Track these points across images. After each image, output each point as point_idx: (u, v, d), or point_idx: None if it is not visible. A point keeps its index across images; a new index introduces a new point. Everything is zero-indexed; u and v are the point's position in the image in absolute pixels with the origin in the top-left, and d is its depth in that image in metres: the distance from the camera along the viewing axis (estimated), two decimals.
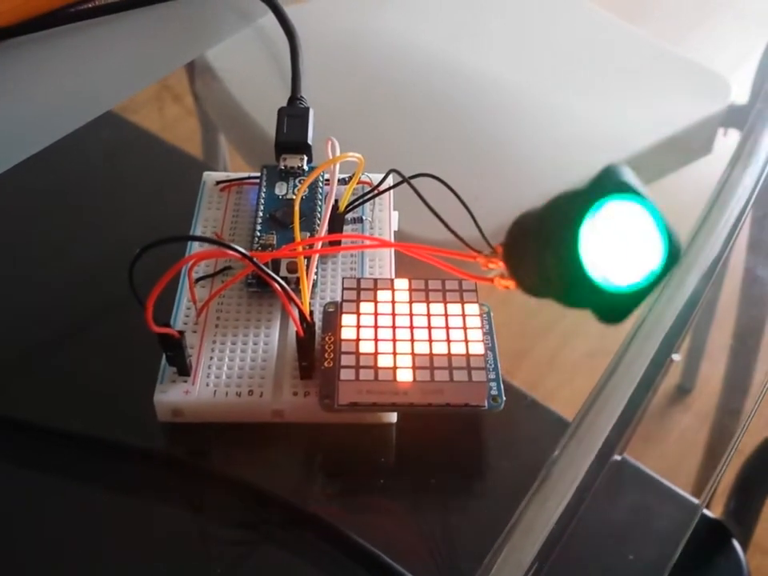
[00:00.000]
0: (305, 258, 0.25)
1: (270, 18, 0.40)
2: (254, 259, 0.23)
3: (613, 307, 0.15)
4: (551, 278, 0.16)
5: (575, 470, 0.27)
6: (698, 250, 0.36)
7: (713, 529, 0.50)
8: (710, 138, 0.49)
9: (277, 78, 0.39)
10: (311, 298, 0.27)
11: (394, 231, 0.30)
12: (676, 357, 0.29)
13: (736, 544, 0.50)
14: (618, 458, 0.28)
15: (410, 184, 0.25)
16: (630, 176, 0.15)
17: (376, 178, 0.29)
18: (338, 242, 0.28)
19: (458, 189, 0.26)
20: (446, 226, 0.23)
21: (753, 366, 0.55)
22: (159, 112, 0.44)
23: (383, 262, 0.29)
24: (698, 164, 0.49)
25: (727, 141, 0.48)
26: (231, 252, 0.23)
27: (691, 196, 0.43)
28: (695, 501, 0.27)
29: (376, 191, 0.28)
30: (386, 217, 0.30)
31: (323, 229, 0.26)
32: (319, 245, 0.26)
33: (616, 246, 0.16)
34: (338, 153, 0.27)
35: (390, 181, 0.28)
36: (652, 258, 0.16)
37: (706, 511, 0.50)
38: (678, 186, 0.52)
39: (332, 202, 0.27)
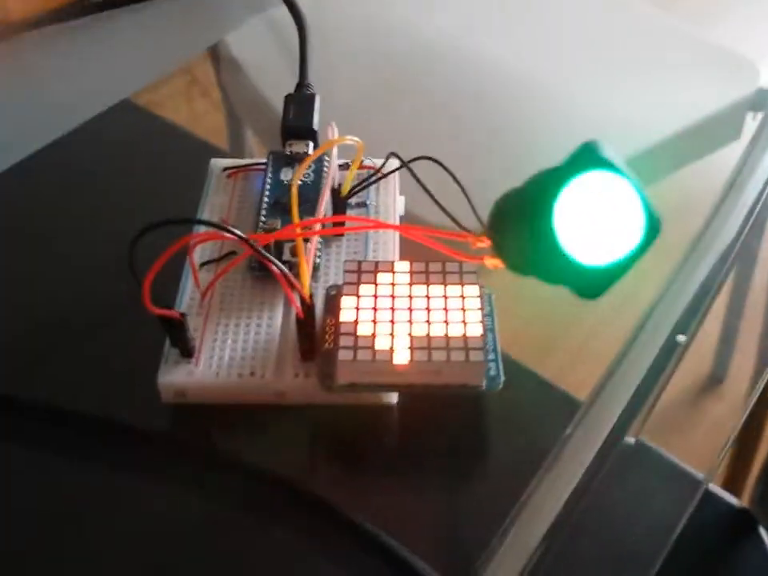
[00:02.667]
0: (305, 241, 0.25)
1: (281, 6, 0.40)
2: (252, 242, 0.23)
3: (590, 283, 0.15)
4: (529, 254, 0.16)
5: (585, 452, 0.27)
6: (713, 235, 0.35)
7: (739, 516, 0.50)
8: (739, 123, 0.48)
9: (290, 63, 0.39)
10: (314, 281, 0.27)
11: (400, 216, 0.30)
12: (681, 338, 0.29)
13: (762, 531, 0.49)
14: (631, 440, 0.28)
15: (408, 168, 0.25)
16: (608, 152, 0.15)
17: (381, 163, 0.30)
18: (342, 224, 0.28)
19: (465, 172, 0.26)
20: (440, 205, 0.23)
21: None
22: (187, 105, 0.44)
23: (387, 246, 0.29)
24: (728, 149, 0.49)
25: (757, 126, 0.47)
26: (229, 235, 0.23)
27: (719, 181, 0.43)
28: (700, 477, 0.27)
29: (377, 176, 0.28)
30: (391, 201, 0.30)
31: (320, 211, 0.26)
32: (318, 227, 0.26)
33: (593, 221, 0.15)
34: (336, 137, 0.27)
35: (392, 165, 0.28)
36: (630, 233, 0.16)
37: (732, 499, 0.50)
38: (706, 171, 0.51)
39: (330, 184, 0.27)
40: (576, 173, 0.15)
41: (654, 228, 0.16)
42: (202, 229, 0.27)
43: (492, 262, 0.19)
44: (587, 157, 0.15)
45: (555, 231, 0.15)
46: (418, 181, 0.24)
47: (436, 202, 0.23)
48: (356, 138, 0.26)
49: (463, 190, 0.24)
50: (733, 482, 0.63)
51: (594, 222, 0.15)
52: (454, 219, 0.22)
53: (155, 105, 0.41)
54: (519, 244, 0.16)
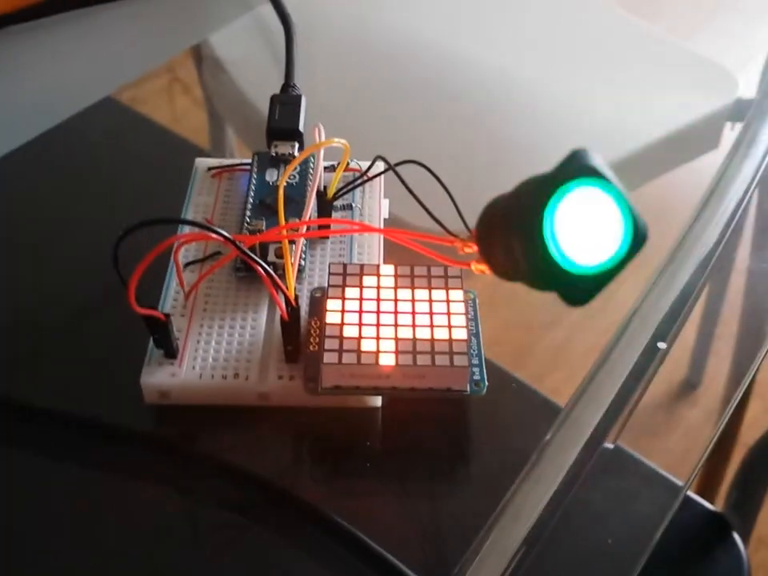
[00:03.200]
0: (290, 242, 0.25)
1: (268, 6, 0.40)
2: (237, 243, 0.23)
3: (577, 290, 0.16)
4: (518, 261, 0.16)
5: (565, 457, 0.27)
6: (693, 241, 0.36)
7: (714, 522, 0.50)
8: (718, 133, 0.49)
9: (275, 63, 0.39)
10: (299, 283, 0.27)
11: (385, 218, 0.30)
12: (662, 345, 0.29)
13: (736, 537, 0.50)
14: (609, 445, 0.29)
15: (394, 171, 0.25)
16: (596, 160, 0.15)
17: (366, 165, 0.30)
18: (327, 227, 0.28)
19: (452, 176, 0.27)
20: (427, 210, 0.23)
21: (757, 362, 0.55)
22: (169, 103, 0.44)
23: (372, 249, 0.29)
24: (706, 158, 0.49)
25: (735, 135, 0.47)
26: (214, 235, 0.23)
27: (698, 189, 0.43)
28: (679, 483, 0.27)
29: (363, 178, 0.28)
30: (376, 204, 0.30)
31: (307, 214, 0.26)
32: (303, 229, 0.26)
33: (581, 230, 0.16)
34: (323, 139, 0.27)
35: (378, 168, 0.28)
36: (617, 241, 0.16)
37: (707, 504, 0.50)
38: (684, 180, 0.52)
39: (316, 186, 0.27)
40: (564, 181, 0.15)
41: (640, 236, 0.16)
42: (187, 229, 0.27)
43: (479, 268, 0.19)
44: (576, 165, 0.15)
45: (543, 238, 0.15)
46: (405, 185, 0.25)
47: (423, 207, 0.23)
48: (343, 141, 0.26)
49: (449, 194, 0.24)
50: (708, 488, 0.64)
51: (582, 229, 0.16)
52: (441, 224, 0.22)
53: (137, 101, 0.40)
54: (507, 250, 0.16)
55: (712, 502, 0.52)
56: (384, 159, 0.26)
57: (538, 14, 0.53)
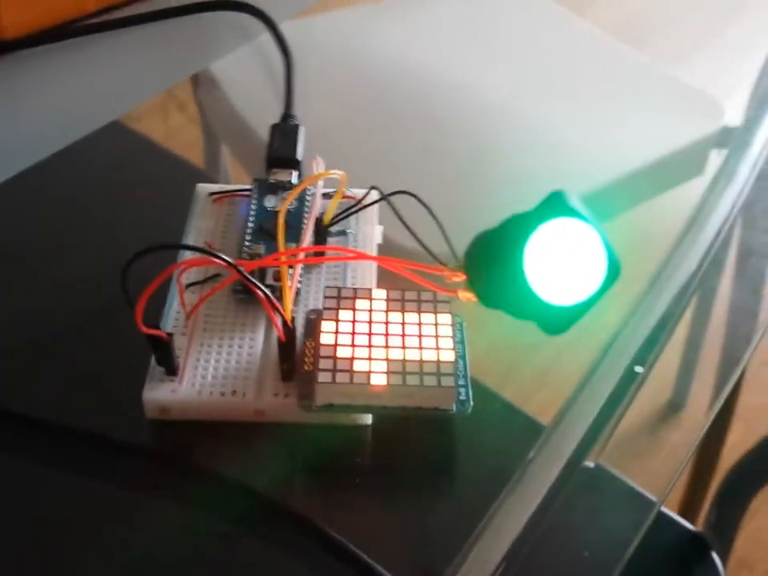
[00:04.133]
0: (288, 267, 0.27)
1: (270, 36, 0.42)
2: (239, 267, 0.25)
3: (555, 320, 0.17)
4: (499, 291, 0.17)
5: (547, 475, 0.28)
6: (674, 267, 0.37)
7: (692, 541, 0.51)
8: (703, 160, 0.50)
9: (275, 92, 0.41)
10: (295, 305, 0.29)
11: (378, 244, 0.32)
12: (639, 369, 0.30)
13: (715, 557, 0.51)
14: (590, 464, 0.30)
15: (388, 201, 0.27)
16: (574, 201, 0.17)
17: (361, 193, 0.31)
18: (322, 254, 0.30)
19: (442, 203, 0.28)
20: (418, 240, 0.24)
21: (730, 385, 0.56)
22: (163, 120, 0.45)
23: (365, 273, 0.30)
24: (692, 184, 0.51)
25: (720, 163, 0.49)
26: (218, 260, 0.25)
27: (684, 215, 0.45)
28: (653, 498, 0.29)
29: (357, 207, 0.29)
30: (370, 230, 0.31)
31: (305, 240, 0.28)
32: (302, 255, 0.27)
33: (558, 264, 0.17)
34: (322, 170, 0.28)
35: (372, 196, 0.29)
36: (593, 275, 0.17)
37: (686, 523, 0.51)
38: (670, 206, 0.53)
39: (315, 215, 0.28)
40: (544, 219, 0.16)
41: (614, 272, 0.18)
42: (189, 253, 0.28)
43: (465, 296, 0.20)
44: (555, 204, 0.16)
45: (524, 272, 0.16)
46: (398, 215, 0.26)
47: (415, 237, 0.25)
48: (340, 172, 0.28)
49: (440, 225, 0.25)
50: (688, 508, 0.65)
51: (560, 264, 0.17)
52: (431, 253, 0.24)
53: (133, 118, 0.41)
54: (491, 281, 0.17)
55: (693, 523, 0.53)
56: (378, 189, 0.28)
57: (529, 45, 0.54)
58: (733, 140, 0.48)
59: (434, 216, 0.25)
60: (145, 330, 0.24)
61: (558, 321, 0.16)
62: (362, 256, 0.28)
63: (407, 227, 0.25)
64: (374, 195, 0.30)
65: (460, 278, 0.22)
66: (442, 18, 0.53)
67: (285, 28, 0.43)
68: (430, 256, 0.26)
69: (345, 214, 0.30)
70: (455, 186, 0.38)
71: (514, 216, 0.17)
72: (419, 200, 0.26)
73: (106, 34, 0.42)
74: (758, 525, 0.78)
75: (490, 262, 0.17)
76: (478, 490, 0.27)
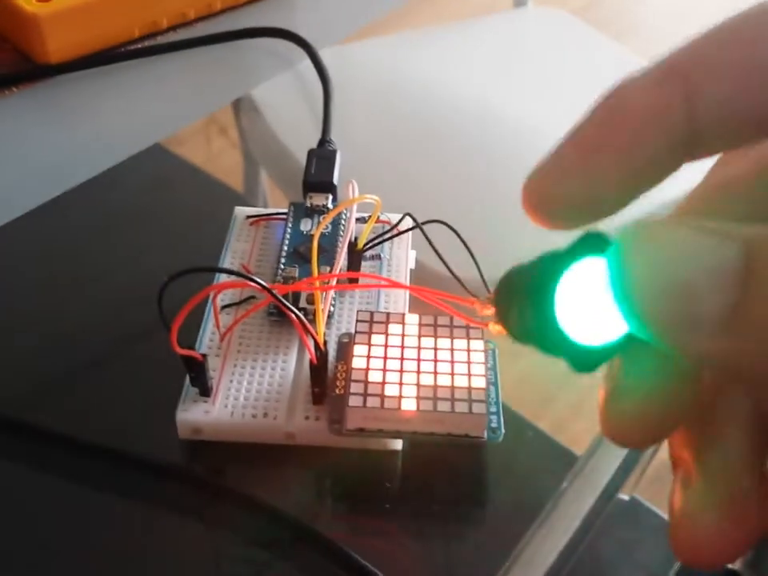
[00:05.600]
0: (321, 291, 0.27)
1: (309, 62, 0.42)
2: (273, 291, 0.25)
3: (585, 360, 0.16)
4: (530, 328, 0.17)
5: (579, 506, 0.28)
6: None
7: None
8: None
9: (314, 117, 0.41)
10: (327, 328, 0.29)
11: (411, 269, 0.32)
12: None
13: None
14: (624, 497, 0.29)
15: (422, 230, 0.27)
16: (607, 239, 0.16)
17: (396, 218, 0.31)
18: (356, 279, 0.30)
19: (475, 231, 0.28)
20: (450, 271, 0.25)
21: None
22: (205, 144, 0.46)
23: (398, 298, 0.30)
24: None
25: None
26: (253, 284, 0.25)
27: None
28: None
29: (391, 233, 0.29)
30: (404, 255, 0.32)
31: (338, 266, 0.28)
32: (335, 281, 0.28)
33: (589, 304, 0.16)
34: (357, 194, 0.29)
35: (406, 223, 0.29)
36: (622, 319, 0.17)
37: None
38: None
39: (348, 240, 0.28)
40: (576, 258, 0.16)
41: None
42: (225, 274, 0.29)
43: (496, 329, 0.20)
44: (588, 243, 0.16)
45: (554, 311, 0.16)
46: (431, 245, 0.26)
47: (447, 267, 0.25)
48: (374, 197, 0.28)
49: (473, 256, 0.25)
50: None
51: (591, 304, 0.16)
52: (463, 285, 0.24)
53: (173, 143, 0.42)
54: (521, 317, 0.17)
55: None
56: (412, 217, 0.28)
57: (566, 72, 0.54)
58: None
59: (467, 246, 0.26)
60: (180, 350, 0.24)
61: (587, 361, 0.16)
62: (394, 284, 0.29)
63: (440, 257, 0.25)
64: (408, 221, 0.30)
65: (490, 310, 0.21)
66: (478, 45, 0.54)
67: (324, 54, 0.43)
68: (460, 288, 0.26)
69: (378, 240, 0.30)
70: (489, 214, 0.38)
71: (546, 253, 0.17)
72: (454, 230, 0.26)
73: (149, 59, 0.43)
74: None
75: (521, 298, 0.17)
76: (508, 519, 0.27)
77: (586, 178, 0.15)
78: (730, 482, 0.16)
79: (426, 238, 0.27)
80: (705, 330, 0.13)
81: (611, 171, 0.15)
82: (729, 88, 0.14)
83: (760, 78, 0.14)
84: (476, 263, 0.25)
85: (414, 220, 0.28)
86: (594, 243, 0.16)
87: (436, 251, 0.25)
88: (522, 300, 0.17)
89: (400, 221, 0.30)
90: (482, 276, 0.24)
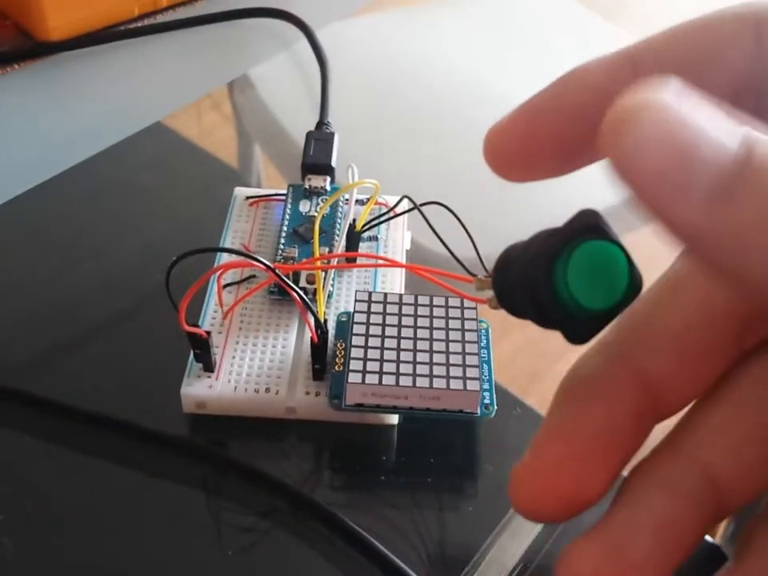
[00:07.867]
0: (322, 271, 0.28)
1: (307, 43, 0.43)
2: (277, 270, 0.26)
3: (580, 330, 0.18)
4: (526, 300, 0.18)
5: None
6: None
7: (710, 553, 0.51)
8: None
9: (310, 98, 0.42)
10: (327, 307, 0.30)
11: (407, 250, 0.33)
12: None
13: None
14: None
15: (420, 211, 0.28)
16: (601, 219, 0.17)
17: (393, 199, 0.32)
18: (354, 259, 0.31)
19: (472, 211, 0.29)
20: (449, 250, 0.25)
21: None
22: (198, 118, 0.46)
23: (394, 278, 0.31)
24: None
25: None
26: (256, 263, 0.26)
27: None
28: None
29: (389, 215, 0.30)
30: (400, 237, 0.32)
31: (340, 246, 0.29)
32: (335, 260, 0.29)
33: (586, 276, 0.17)
34: (356, 178, 0.30)
35: (404, 205, 0.30)
36: (615, 290, 0.18)
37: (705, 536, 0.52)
38: None
39: (348, 222, 0.29)
40: (572, 235, 0.17)
41: (636, 287, 0.18)
42: (226, 254, 0.30)
43: (493, 304, 0.21)
44: (583, 223, 0.17)
45: (552, 281, 0.17)
46: (430, 225, 0.27)
47: (446, 246, 0.26)
48: (373, 181, 0.29)
49: (470, 236, 0.26)
50: None
51: (587, 275, 0.17)
52: (461, 263, 0.25)
53: (171, 120, 0.43)
54: (518, 292, 0.18)
55: (712, 535, 0.53)
56: (410, 199, 0.29)
57: (567, 53, 0.54)
58: None
59: (463, 226, 0.26)
60: (187, 328, 0.25)
61: (583, 330, 0.17)
62: (393, 263, 0.30)
63: (439, 237, 0.26)
64: (405, 203, 0.31)
65: (488, 286, 0.22)
66: (479, 24, 0.54)
67: (321, 32, 0.44)
68: (456, 261, 0.27)
69: (377, 222, 0.31)
70: (487, 195, 0.39)
71: (543, 231, 0.18)
72: (452, 211, 0.27)
73: (147, 38, 0.44)
74: None
75: (517, 273, 0.18)
76: (499, 491, 0.28)
77: (527, 137, 0.17)
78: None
79: (425, 218, 0.27)
80: (701, 194, 0.12)
81: (549, 132, 0.17)
82: (672, 69, 0.15)
83: (703, 71, 0.16)
84: (473, 242, 0.26)
85: (413, 202, 0.29)
86: (589, 221, 0.17)
87: (434, 231, 0.26)
88: (519, 275, 0.18)
89: (398, 203, 0.30)
90: (477, 253, 0.25)
